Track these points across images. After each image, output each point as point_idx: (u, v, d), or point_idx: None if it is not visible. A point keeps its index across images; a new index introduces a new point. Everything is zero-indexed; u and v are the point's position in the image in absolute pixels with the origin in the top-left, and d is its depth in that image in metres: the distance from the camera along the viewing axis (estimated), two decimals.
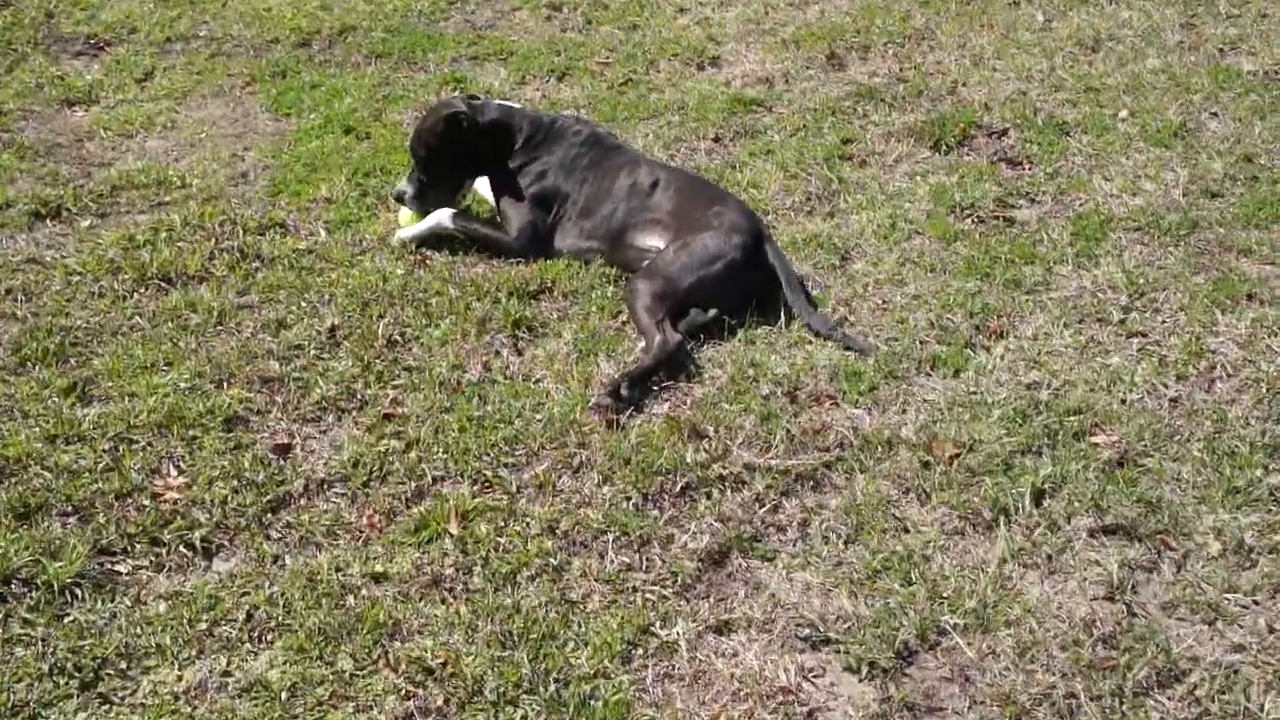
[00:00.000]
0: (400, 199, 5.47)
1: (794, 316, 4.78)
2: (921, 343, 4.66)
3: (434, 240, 5.40)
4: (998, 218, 5.59)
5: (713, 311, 4.78)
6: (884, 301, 4.97)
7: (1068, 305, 4.89)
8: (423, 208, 5.43)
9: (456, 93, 6.56)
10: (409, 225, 5.45)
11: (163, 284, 5.07)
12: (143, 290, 5.03)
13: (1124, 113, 6.62)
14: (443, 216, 5.39)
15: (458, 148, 5.40)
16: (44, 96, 7.10)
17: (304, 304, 4.94)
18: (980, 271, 5.12)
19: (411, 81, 7.40)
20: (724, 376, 4.49)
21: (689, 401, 4.39)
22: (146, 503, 3.85)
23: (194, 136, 6.68)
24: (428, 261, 5.28)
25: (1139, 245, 5.33)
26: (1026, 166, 6.15)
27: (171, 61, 7.74)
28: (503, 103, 5.77)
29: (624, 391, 4.34)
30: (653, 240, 5.10)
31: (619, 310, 4.90)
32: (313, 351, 4.65)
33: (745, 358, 4.57)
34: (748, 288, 4.89)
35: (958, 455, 4.02)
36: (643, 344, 4.62)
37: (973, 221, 5.58)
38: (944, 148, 6.33)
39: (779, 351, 4.63)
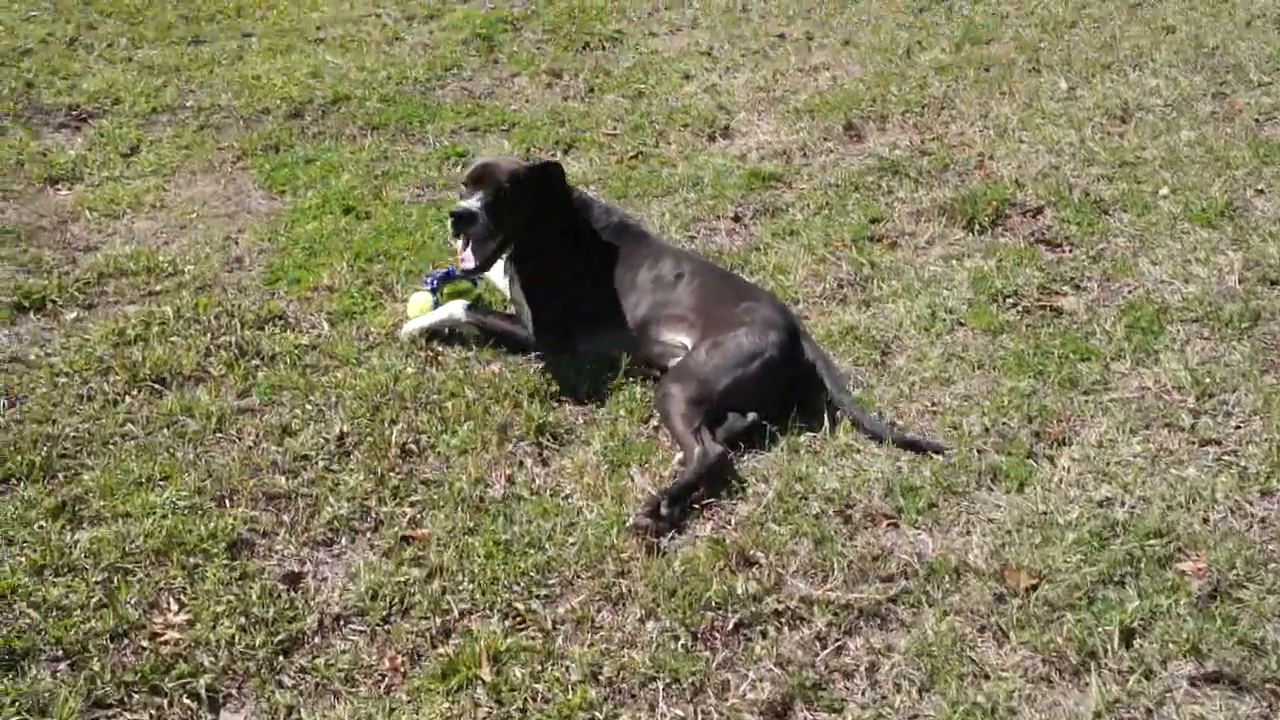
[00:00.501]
0: (463, 219, 4.69)
1: (840, 420, 4.44)
2: (979, 452, 4.31)
3: (444, 333, 5.05)
4: (1044, 307, 5.26)
5: (752, 415, 4.44)
6: (933, 403, 4.62)
7: (1131, 408, 4.55)
8: (478, 231, 4.73)
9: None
10: (419, 316, 5.10)
11: (156, 385, 4.71)
12: (135, 393, 4.67)
13: (1164, 189, 6.30)
14: (455, 308, 5.04)
15: (541, 201, 4.90)
16: (25, 174, 6.73)
17: (309, 407, 4.59)
18: (1032, 369, 4.77)
19: (411, 155, 7.06)
20: (769, 492, 4.13)
21: (733, 521, 4.04)
22: (145, 644, 3.49)
23: (184, 217, 6.31)
24: (440, 358, 4.93)
25: (1199, 339, 4.99)
26: (1067, 248, 5.81)
27: (158, 134, 7.39)
28: None
29: (664, 510, 3.99)
30: (679, 337, 4.77)
31: (649, 413, 4.56)
32: (321, 463, 4.29)
33: (791, 470, 4.22)
34: (786, 387, 4.56)
35: (1034, 586, 3.67)
36: (680, 454, 4.27)
37: (1018, 312, 5.23)
38: (977, 227, 6.00)
39: (826, 462, 4.28)
